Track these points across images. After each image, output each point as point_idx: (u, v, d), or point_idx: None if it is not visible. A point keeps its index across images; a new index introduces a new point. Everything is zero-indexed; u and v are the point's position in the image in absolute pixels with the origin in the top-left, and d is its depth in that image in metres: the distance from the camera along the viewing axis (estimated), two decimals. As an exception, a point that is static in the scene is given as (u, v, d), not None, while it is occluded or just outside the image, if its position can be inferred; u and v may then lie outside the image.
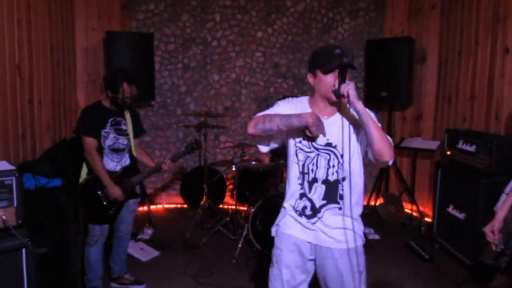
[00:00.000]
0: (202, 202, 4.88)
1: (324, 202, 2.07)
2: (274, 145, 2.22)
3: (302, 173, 2.10)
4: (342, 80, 1.89)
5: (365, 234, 4.74)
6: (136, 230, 4.46)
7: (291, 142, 2.14)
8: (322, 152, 2.06)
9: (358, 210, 2.11)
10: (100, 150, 3.16)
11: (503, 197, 2.70)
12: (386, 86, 5.15)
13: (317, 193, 2.07)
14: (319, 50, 2.11)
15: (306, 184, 2.09)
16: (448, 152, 4.21)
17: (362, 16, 5.69)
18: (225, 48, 5.69)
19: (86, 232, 3.27)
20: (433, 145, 4.91)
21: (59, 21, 4.51)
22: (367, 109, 1.88)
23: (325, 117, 2.05)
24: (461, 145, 4.01)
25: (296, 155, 2.11)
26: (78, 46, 5.15)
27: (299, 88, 5.76)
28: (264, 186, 4.38)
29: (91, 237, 3.21)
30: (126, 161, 3.30)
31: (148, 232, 4.64)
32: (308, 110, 2.07)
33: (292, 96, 5.41)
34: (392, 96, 5.18)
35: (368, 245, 4.33)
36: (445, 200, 4.17)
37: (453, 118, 4.82)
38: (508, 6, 3.84)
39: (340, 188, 2.06)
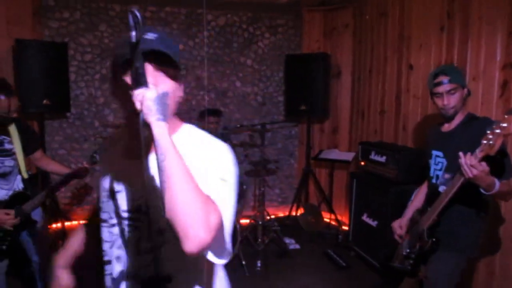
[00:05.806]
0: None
1: None
2: None
3: None
4: (136, 84, 1.03)
5: (285, 244, 4.84)
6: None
7: None
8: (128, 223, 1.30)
9: None
10: None
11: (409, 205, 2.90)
12: (305, 100, 5.35)
13: None
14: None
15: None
16: (362, 163, 4.46)
17: (281, 32, 5.88)
18: (146, 60, 5.57)
19: None
20: (348, 156, 5.17)
21: (-40, 26, 4.16)
22: (163, 137, 1.02)
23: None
24: (373, 156, 4.26)
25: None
26: (-17, 53, 4.76)
27: (221, 101, 5.79)
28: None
29: None
30: (18, 185, 2.86)
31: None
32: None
33: (214, 109, 5.33)
34: (310, 110, 5.38)
35: (289, 255, 4.47)
36: (359, 208, 4.39)
37: (366, 131, 5.11)
38: (411, 26, 4.18)
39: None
